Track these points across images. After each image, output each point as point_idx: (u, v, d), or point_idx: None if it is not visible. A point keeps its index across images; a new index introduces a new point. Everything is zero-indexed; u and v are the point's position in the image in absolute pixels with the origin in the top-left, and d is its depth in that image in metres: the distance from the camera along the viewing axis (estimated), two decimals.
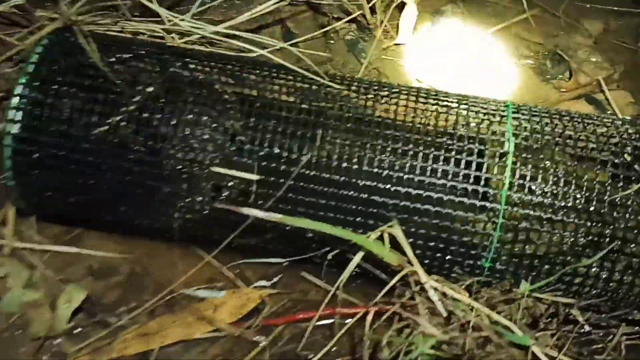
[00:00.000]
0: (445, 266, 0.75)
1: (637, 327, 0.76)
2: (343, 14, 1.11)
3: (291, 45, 1.10)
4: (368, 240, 0.71)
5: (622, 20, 1.17)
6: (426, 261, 0.74)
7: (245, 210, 0.69)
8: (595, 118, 0.77)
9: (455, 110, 0.75)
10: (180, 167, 0.76)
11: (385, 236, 0.71)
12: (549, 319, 0.72)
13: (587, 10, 1.18)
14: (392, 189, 0.71)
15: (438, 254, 0.73)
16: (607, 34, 1.15)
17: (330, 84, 0.77)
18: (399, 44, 1.12)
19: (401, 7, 1.13)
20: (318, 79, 0.78)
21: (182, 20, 0.92)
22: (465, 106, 0.76)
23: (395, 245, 0.72)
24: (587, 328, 0.71)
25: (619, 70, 1.09)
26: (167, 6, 1.14)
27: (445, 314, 0.68)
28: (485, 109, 0.76)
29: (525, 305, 0.72)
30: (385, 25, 1.12)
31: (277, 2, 0.99)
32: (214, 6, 1.13)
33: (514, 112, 0.75)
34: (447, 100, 0.77)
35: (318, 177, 0.72)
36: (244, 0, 1.14)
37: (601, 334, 0.75)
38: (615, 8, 1.18)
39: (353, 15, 1.08)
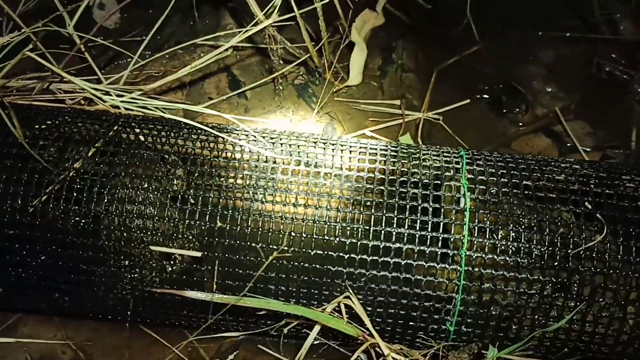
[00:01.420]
0: (409, 332, 0.70)
1: None
2: (292, 58, 1.07)
3: (238, 95, 1.07)
4: (324, 314, 0.66)
5: (575, 47, 1.15)
6: (388, 328, 0.70)
7: (187, 293, 0.64)
8: (552, 162, 0.74)
9: (407, 165, 0.71)
10: (117, 246, 0.70)
11: (342, 307, 0.67)
12: None
13: (540, 38, 1.16)
14: (345, 256, 0.66)
15: (400, 321, 0.69)
16: (561, 62, 1.13)
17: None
18: (350, 86, 1.08)
19: (350, 47, 1.09)
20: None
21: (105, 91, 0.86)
22: (417, 161, 0.72)
23: (352, 314, 0.68)
24: None
25: (574, 99, 1.07)
26: (105, 63, 1.09)
27: None
28: (439, 161, 0.72)
29: None
30: (335, 67, 1.09)
31: (219, 54, 0.94)
32: (156, 58, 1.08)
33: (468, 164, 0.72)
34: (398, 153, 0.73)
35: (265, 249, 0.67)
36: (187, 51, 1.09)
37: None
38: (568, 34, 1.16)
39: (300, 59, 1.04)
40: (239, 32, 0.93)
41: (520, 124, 1.05)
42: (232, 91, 1.07)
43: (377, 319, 0.69)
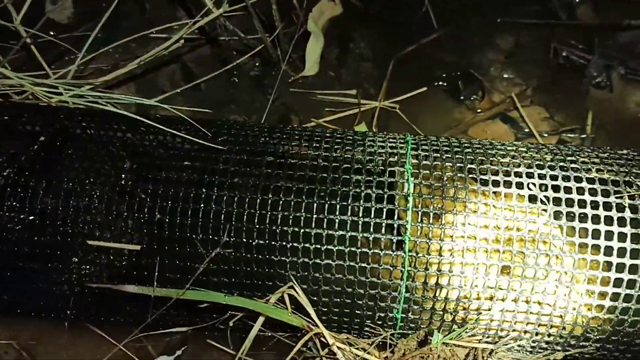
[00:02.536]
0: (356, 321, 0.69)
1: None
2: (247, 49, 1.05)
3: (192, 87, 1.05)
4: (267, 305, 0.65)
5: (533, 33, 1.14)
6: (335, 318, 0.69)
7: (127, 288, 0.62)
8: (499, 146, 0.74)
9: (351, 151, 0.70)
10: (58, 241, 0.69)
11: (286, 297, 0.66)
12: None
13: (498, 25, 1.16)
14: (288, 245, 0.65)
15: (346, 310, 0.68)
16: (518, 48, 1.13)
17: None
18: (306, 76, 1.07)
19: (307, 37, 1.08)
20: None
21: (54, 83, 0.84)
22: (362, 147, 0.71)
23: (299, 305, 0.67)
24: None
25: (531, 85, 1.06)
26: (56, 57, 1.07)
27: None
28: (383, 147, 0.71)
29: (443, 356, 0.67)
30: (291, 58, 1.08)
31: (170, 46, 0.92)
32: (108, 52, 1.06)
33: (413, 149, 0.71)
34: (343, 140, 0.72)
35: (207, 240, 0.66)
36: (139, 43, 1.07)
37: None
38: (526, 21, 1.16)
39: (255, 50, 1.02)
40: (192, 23, 0.91)
41: (479, 110, 1.04)
42: (186, 84, 1.05)
43: (323, 309, 0.68)
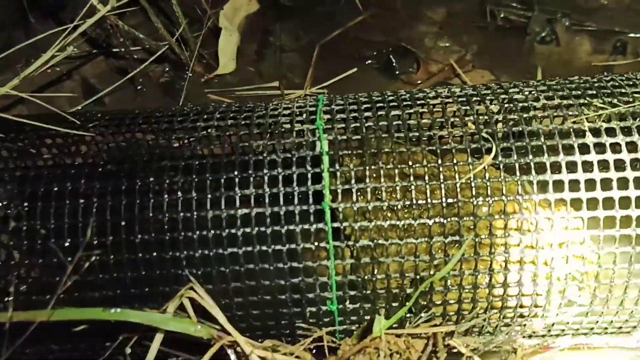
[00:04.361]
0: (283, 323, 0.55)
1: None
2: (151, 55, 0.94)
3: (94, 101, 0.93)
4: (164, 316, 0.51)
5: (466, 1, 1.05)
6: (255, 322, 0.55)
7: None
8: (432, 94, 0.62)
9: (250, 118, 0.58)
10: None
11: (186, 303, 0.52)
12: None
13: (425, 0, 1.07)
14: (181, 236, 0.52)
15: (267, 309, 0.54)
16: (452, 17, 1.03)
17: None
18: (222, 75, 0.96)
19: (217, 33, 0.97)
20: None
21: None
22: (263, 112, 0.59)
23: (207, 311, 0.53)
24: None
25: (471, 50, 0.96)
26: None
27: None
28: (290, 108, 0.59)
29: (396, 349, 0.53)
30: (204, 58, 0.96)
31: (54, 57, 0.80)
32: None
33: (326, 105, 0.58)
34: (240, 109, 0.60)
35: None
36: (26, 63, 0.95)
37: None
38: None
39: (158, 53, 0.91)
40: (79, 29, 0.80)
41: (418, 81, 0.93)
42: (86, 100, 0.93)
43: (239, 312, 0.54)
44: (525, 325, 0.54)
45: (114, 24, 0.86)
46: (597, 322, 0.56)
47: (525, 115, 0.54)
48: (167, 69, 0.97)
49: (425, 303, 0.54)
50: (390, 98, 0.59)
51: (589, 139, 0.52)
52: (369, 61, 0.97)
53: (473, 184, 0.51)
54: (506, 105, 0.56)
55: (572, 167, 0.51)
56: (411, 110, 0.56)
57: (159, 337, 0.52)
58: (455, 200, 0.51)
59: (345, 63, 0.97)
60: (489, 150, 0.52)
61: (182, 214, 0.51)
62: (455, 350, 0.54)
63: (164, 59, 0.96)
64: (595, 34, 0.97)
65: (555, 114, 0.54)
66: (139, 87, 0.94)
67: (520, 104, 0.56)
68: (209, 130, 0.55)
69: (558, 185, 0.51)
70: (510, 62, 0.94)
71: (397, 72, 0.95)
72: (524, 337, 0.56)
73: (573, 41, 0.96)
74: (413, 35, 1.00)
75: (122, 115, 0.60)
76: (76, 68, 0.97)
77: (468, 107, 0.56)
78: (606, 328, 0.57)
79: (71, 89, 0.95)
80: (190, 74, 0.95)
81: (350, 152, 0.53)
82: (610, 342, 0.58)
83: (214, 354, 0.52)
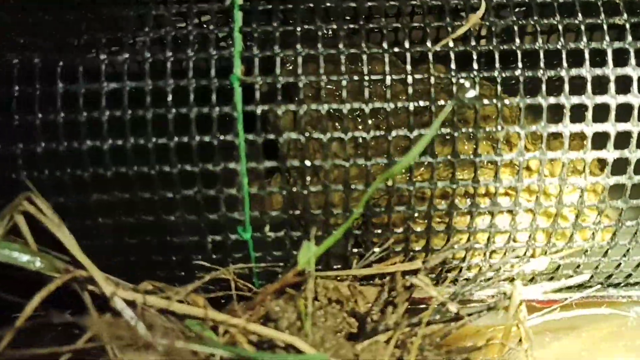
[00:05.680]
0: (175, 259, 0.38)
1: None
2: None
3: None
4: None
5: None
6: (133, 258, 0.38)
7: None
8: None
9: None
10: None
11: (20, 220, 0.34)
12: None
13: None
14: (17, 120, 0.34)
15: (147, 236, 0.37)
16: None
17: None
18: None
19: None
20: None
21: None
22: None
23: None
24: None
25: None
26: None
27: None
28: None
29: (336, 296, 0.36)
30: None
31: None
32: None
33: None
34: None
35: None
36: None
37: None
38: None
39: None
40: None
41: None
42: None
43: (106, 241, 0.36)
44: (521, 265, 0.38)
45: None
46: (620, 265, 0.40)
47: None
48: None
49: (380, 231, 0.37)
50: None
51: None
52: None
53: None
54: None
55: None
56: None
57: None
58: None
59: None
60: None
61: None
62: (422, 305, 0.37)
63: None
64: None
65: None
66: None
67: None
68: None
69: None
70: None
71: None
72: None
73: None
74: None
75: None
76: None
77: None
78: (630, 275, 0.41)
79: None
80: None
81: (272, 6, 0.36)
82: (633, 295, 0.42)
83: (76, 304, 0.34)
